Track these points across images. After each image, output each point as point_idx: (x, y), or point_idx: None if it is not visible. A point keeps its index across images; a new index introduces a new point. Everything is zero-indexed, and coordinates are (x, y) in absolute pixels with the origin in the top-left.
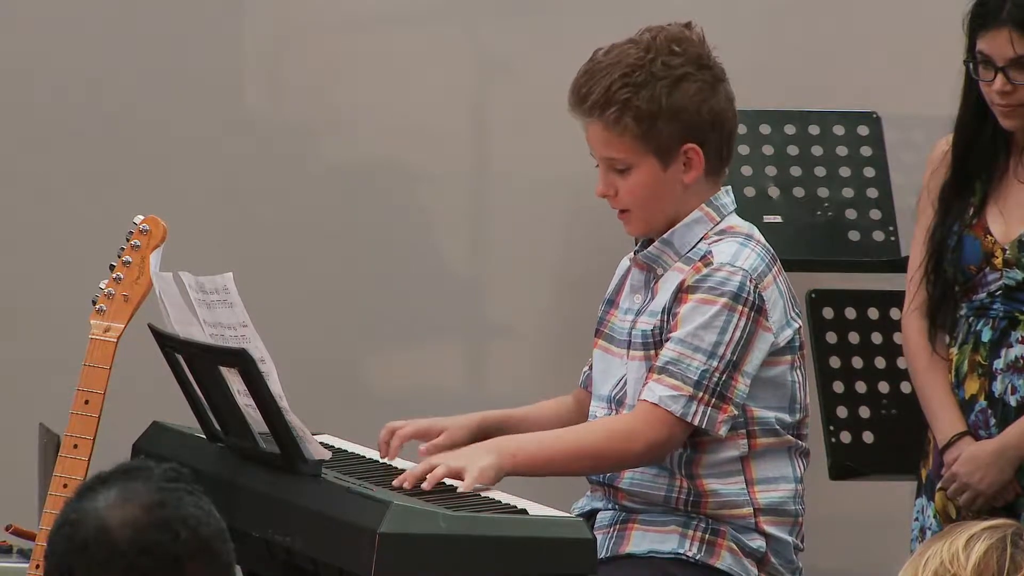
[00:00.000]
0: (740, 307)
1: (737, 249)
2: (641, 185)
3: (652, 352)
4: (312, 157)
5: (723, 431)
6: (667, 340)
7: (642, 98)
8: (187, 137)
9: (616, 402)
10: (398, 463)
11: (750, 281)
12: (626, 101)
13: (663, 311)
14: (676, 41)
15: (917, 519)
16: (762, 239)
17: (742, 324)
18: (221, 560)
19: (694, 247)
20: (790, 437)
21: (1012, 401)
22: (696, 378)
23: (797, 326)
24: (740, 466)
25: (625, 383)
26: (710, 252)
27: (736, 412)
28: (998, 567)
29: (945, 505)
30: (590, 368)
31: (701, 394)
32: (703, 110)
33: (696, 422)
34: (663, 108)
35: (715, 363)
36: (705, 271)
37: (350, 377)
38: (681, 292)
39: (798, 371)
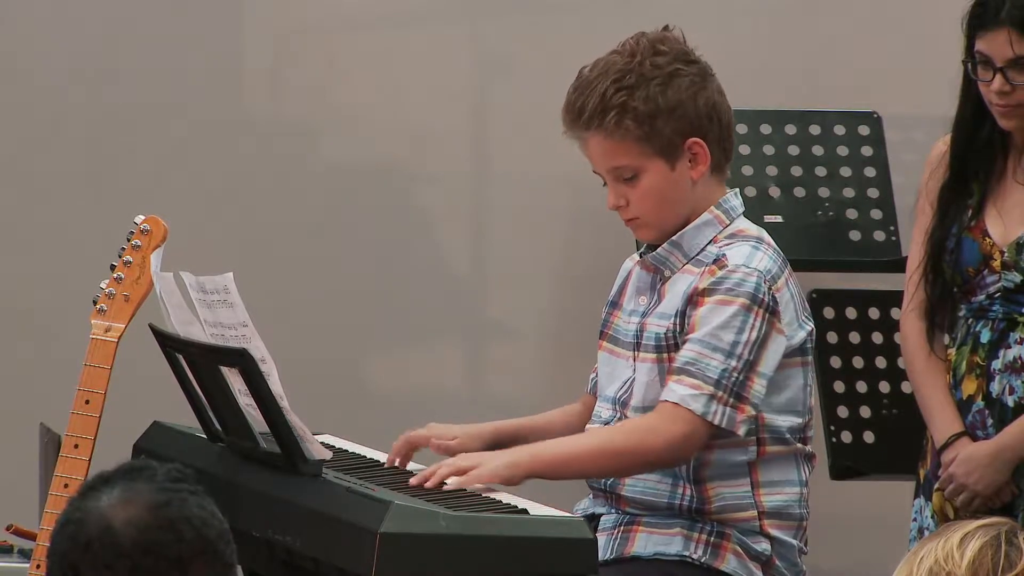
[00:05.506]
0: (757, 308)
1: (750, 252)
2: (652, 189)
3: (665, 355)
4: (312, 157)
5: (742, 431)
6: (684, 342)
7: (638, 99)
8: (187, 137)
9: (621, 403)
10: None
11: (765, 283)
12: (623, 104)
13: (675, 315)
14: (659, 42)
15: (915, 519)
16: (772, 242)
17: (758, 325)
18: (223, 560)
19: (703, 250)
20: (799, 445)
21: (1010, 402)
22: (716, 377)
23: (810, 328)
24: (747, 469)
25: (631, 384)
26: (724, 255)
27: (754, 412)
28: (993, 565)
29: (943, 505)
30: (597, 374)
31: (721, 393)
32: (699, 103)
33: (716, 421)
34: (660, 106)
35: (733, 363)
36: (720, 273)
37: (350, 377)
38: (697, 296)
39: (807, 374)
